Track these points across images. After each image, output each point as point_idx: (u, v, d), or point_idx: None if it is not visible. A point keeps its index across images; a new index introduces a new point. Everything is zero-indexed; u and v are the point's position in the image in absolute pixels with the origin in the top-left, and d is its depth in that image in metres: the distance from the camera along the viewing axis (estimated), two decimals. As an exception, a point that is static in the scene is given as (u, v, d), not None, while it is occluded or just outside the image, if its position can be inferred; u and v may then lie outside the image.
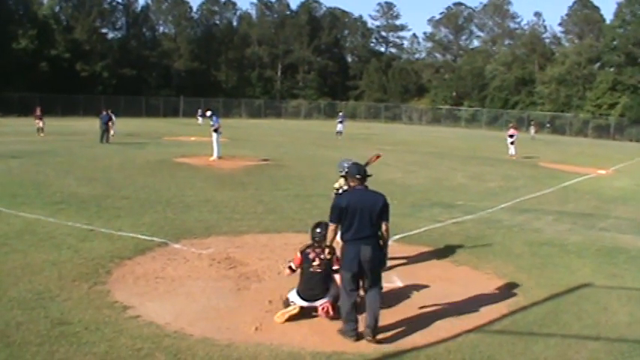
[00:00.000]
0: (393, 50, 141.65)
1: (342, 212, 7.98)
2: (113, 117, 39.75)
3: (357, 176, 8.32)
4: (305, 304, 8.56)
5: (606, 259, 13.06)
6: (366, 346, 7.65)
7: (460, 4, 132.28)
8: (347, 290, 7.96)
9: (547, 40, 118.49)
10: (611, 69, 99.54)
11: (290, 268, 8.95)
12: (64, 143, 36.21)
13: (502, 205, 19.74)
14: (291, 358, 7.24)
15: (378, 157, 10.85)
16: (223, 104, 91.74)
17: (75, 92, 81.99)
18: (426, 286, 10.13)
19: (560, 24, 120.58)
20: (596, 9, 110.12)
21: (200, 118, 69.26)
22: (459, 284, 10.50)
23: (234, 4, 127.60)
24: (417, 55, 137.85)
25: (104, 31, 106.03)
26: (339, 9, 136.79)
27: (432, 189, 23.24)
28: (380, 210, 8.05)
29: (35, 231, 12.98)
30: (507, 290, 10.30)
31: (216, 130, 29.42)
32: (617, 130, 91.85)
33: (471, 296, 9.87)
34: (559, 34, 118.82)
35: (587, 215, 18.96)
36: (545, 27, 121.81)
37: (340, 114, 59.21)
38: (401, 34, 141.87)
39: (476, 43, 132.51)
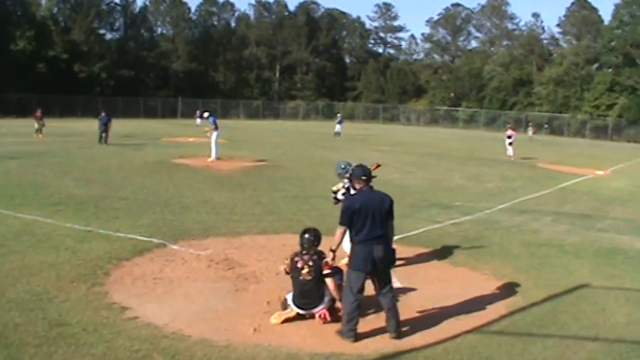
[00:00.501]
0: (391, 51, 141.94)
1: (354, 214, 8.01)
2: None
3: (363, 177, 8.42)
4: (302, 312, 8.55)
5: (604, 259, 13.07)
6: (364, 347, 7.66)
7: (458, 5, 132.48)
8: (353, 291, 7.94)
9: (545, 41, 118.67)
10: (609, 70, 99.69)
11: (285, 270, 8.93)
12: (62, 144, 36.19)
13: (500, 206, 19.75)
14: (290, 359, 7.24)
15: (378, 166, 10.87)
16: (221, 105, 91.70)
17: (73, 93, 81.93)
18: (424, 287, 10.13)
19: (558, 25, 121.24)
20: (594, 10, 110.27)
21: (198, 119, 69.21)
22: (457, 285, 10.51)
23: (232, 5, 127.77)
24: (414, 56, 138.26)
25: (102, 32, 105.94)
26: (337, 10, 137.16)
27: (430, 190, 23.25)
28: (387, 209, 8.19)
29: (33, 232, 12.96)
30: (505, 291, 10.30)
31: (216, 129, 29.48)
32: (615, 131, 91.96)
33: (470, 297, 9.87)
34: (557, 35, 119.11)
35: (585, 216, 18.98)
36: (543, 28, 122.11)
37: (338, 115, 59.28)
38: (399, 35, 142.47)
39: (474, 44, 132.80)
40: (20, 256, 10.91)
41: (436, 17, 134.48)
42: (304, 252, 8.71)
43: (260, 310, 8.82)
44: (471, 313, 9.05)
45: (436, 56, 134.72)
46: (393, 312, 8.07)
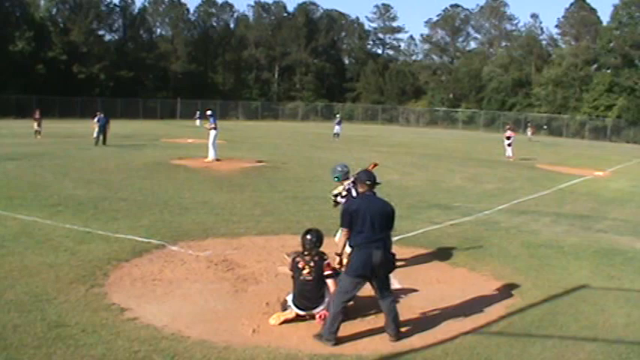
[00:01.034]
0: (390, 52, 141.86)
1: (352, 216, 8.04)
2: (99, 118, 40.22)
3: (367, 182, 8.48)
4: (302, 312, 8.55)
5: (603, 260, 13.07)
6: (363, 348, 7.66)
7: (457, 5, 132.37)
8: (345, 296, 7.93)
9: (544, 42, 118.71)
10: (608, 71, 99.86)
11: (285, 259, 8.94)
12: (61, 145, 36.18)
13: (499, 207, 19.76)
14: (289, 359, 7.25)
15: (374, 165, 10.87)
16: (220, 106, 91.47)
17: (72, 94, 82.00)
18: (423, 288, 10.13)
19: (556, 26, 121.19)
20: (593, 11, 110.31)
21: (198, 120, 69.23)
22: (456, 286, 10.51)
23: (231, 6, 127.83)
24: (414, 57, 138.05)
25: (101, 33, 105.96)
26: (336, 11, 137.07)
27: (429, 191, 23.26)
28: (388, 216, 8.20)
29: (32, 233, 12.95)
30: (505, 292, 10.30)
31: (214, 128, 29.50)
32: (614, 131, 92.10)
33: (469, 298, 9.87)
34: (556, 36, 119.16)
35: (585, 217, 18.98)
36: (541, 29, 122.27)
37: (337, 116, 59.32)
38: (398, 36, 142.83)
39: (473, 44, 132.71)
40: (19, 257, 10.89)
41: (435, 18, 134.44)
42: (306, 253, 8.70)
43: (259, 311, 8.81)
44: (470, 314, 9.05)
45: (435, 57, 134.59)
46: (393, 315, 8.06)
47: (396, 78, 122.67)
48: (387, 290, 8.16)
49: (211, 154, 29.44)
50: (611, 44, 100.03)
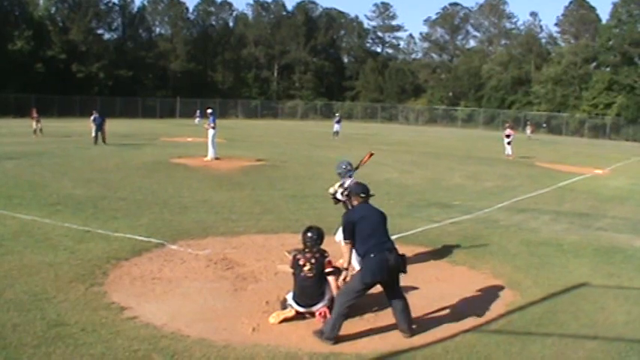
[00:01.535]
0: (390, 50, 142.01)
1: (355, 226, 8.14)
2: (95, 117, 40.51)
3: (362, 195, 8.59)
4: (302, 309, 8.55)
5: (603, 258, 13.06)
6: (363, 347, 7.65)
7: (456, 4, 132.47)
8: (351, 296, 7.91)
9: (543, 40, 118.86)
10: (607, 69, 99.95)
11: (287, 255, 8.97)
12: (60, 144, 36.18)
13: (499, 205, 19.75)
14: (289, 358, 7.23)
15: (371, 154, 10.94)
16: (220, 105, 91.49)
17: (71, 93, 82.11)
18: (423, 287, 10.11)
19: (556, 24, 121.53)
20: (592, 9, 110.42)
21: (197, 119, 69.21)
22: (456, 284, 10.50)
23: (231, 4, 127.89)
24: (413, 56, 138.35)
25: (100, 32, 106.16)
26: (335, 9, 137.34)
27: (428, 189, 23.25)
28: (386, 222, 8.39)
29: (31, 232, 12.95)
30: (504, 290, 10.30)
31: (213, 127, 29.51)
32: (614, 129, 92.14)
33: (468, 296, 9.87)
34: (555, 34, 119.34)
35: (584, 215, 18.97)
36: (541, 27, 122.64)
37: (337, 115, 59.34)
38: (397, 34, 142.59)
39: (472, 43, 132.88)
40: (18, 257, 10.89)
41: (434, 16, 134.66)
42: (307, 250, 8.71)
43: (259, 309, 8.80)
44: (470, 312, 9.03)
45: (434, 55, 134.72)
46: (407, 313, 8.11)
47: (395, 76, 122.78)
48: (398, 291, 8.20)
49: (211, 153, 29.44)
50: (611, 42, 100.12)
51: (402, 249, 10.79)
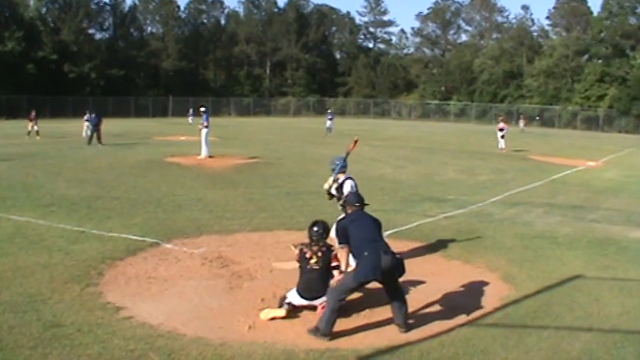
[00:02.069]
0: (382, 46, 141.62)
1: (348, 230, 8.22)
2: (89, 117, 40.81)
3: (356, 204, 8.75)
4: (305, 302, 8.58)
5: (597, 250, 13.11)
6: (359, 342, 7.67)
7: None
8: (342, 292, 7.94)
9: (535, 34, 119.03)
10: (599, 61, 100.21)
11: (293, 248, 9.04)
12: (54, 145, 36.10)
13: (493, 199, 19.79)
14: (285, 355, 7.24)
15: (356, 142, 11.00)
16: (212, 103, 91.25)
17: (63, 94, 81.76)
18: (418, 281, 10.13)
19: (547, 17, 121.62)
20: (584, 1, 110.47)
21: (190, 118, 69.10)
22: (450, 279, 10.52)
23: (222, 2, 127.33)
24: (405, 51, 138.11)
25: (91, 31, 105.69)
26: (327, 6, 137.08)
27: (422, 184, 23.28)
28: (380, 227, 8.50)
29: (26, 234, 12.93)
30: (499, 283, 10.33)
31: (206, 126, 29.48)
32: (606, 121, 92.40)
33: (463, 290, 9.91)
34: (546, 27, 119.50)
35: (578, 207, 19.03)
36: (532, 20, 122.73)
37: (329, 111, 59.30)
38: (389, 29, 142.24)
39: (464, 37, 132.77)
40: (13, 258, 10.87)
41: (426, 11, 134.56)
42: (313, 244, 8.77)
43: (254, 307, 8.80)
44: (466, 306, 9.06)
45: (426, 50, 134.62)
46: (404, 310, 8.17)
47: (387, 72, 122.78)
48: (398, 292, 8.25)
49: (204, 151, 29.41)
50: (602, 34, 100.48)
51: (396, 244, 10.86)
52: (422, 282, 10.19)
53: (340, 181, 10.39)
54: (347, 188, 10.20)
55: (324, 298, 8.44)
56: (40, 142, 37.66)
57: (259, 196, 19.13)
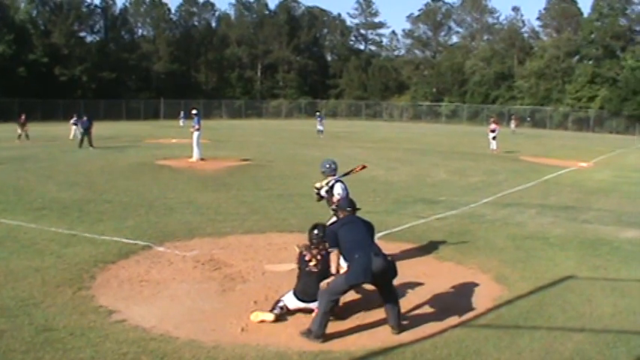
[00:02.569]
0: (373, 48, 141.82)
1: (338, 234, 8.24)
2: (76, 120, 40.97)
3: (348, 209, 8.79)
4: (301, 305, 8.57)
5: (589, 250, 13.15)
6: (352, 344, 7.67)
7: (438, 0, 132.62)
8: (333, 294, 7.93)
9: (526, 35, 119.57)
10: (590, 62, 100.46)
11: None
12: (45, 148, 36.03)
13: (484, 200, 19.82)
14: (278, 357, 7.24)
15: (363, 167, 11.06)
16: (204, 105, 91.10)
17: (54, 97, 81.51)
18: (410, 283, 10.13)
19: (538, 18, 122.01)
20: (574, 3, 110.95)
21: (182, 120, 69.01)
22: (443, 280, 10.52)
23: (213, 5, 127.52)
24: (396, 52, 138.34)
25: (82, 34, 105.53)
26: (318, 8, 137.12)
27: (414, 185, 23.30)
28: (372, 230, 8.55)
29: (17, 237, 12.88)
30: (492, 284, 10.35)
31: (198, 129, 29.45)
32: (597, 122, 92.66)
33: (456, 291, 9.92)
34: (537, 29, 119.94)
35: (569, 208, 19.07)
36: (523, 21, 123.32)
37: (317, 113, 59.29)
38: (380, 31, 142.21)
39: (455, 39, 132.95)
40: (4, 262, 10.83)
41: (417, 13, 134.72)
42: (313, 246, 8.79)
43: (247, 309, 8.79)
44: (458, 307, 9.06)
45: (417, 52, 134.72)
46: (396, 311, 8.17)
47: (378, 73, 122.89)
48: (392, 295, 8.25)
49: (196, 154, 29.39)
50: (593, 35, 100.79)
51: (389, 245, 10.87)
52: (414, 283, 10.19)
53: (331, 184, 10.41)
54: (337, 191, 10.24)
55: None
56: (31, 145, 37.57)
57: (251, 198, 19.12)
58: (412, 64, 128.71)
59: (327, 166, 10.68)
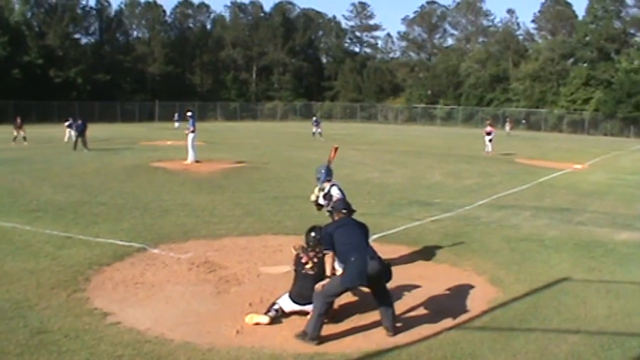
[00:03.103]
0: (368, 50, 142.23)
1: (333, 236, 8.22)
2: (70, 123, 41.07)
3: (343, 210, 8.80)
4: (297, 307, 8.55)
5: (584, 252, 13.16)
6: (348, 346, 7.66)
7: (433, 2, 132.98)
8: (328, 296, 7.92)
9: (520, 37, 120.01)
10: (585, 64, 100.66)
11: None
12: (40, 150, 35.98)
13: (480, 202, 19.82)
14: (273, 359, 7.24)
15: (336, 149, 11.01)
16: (199, 107, 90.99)
17: (49, 99, 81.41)
18: (405, 285, 10.12)
19: (533, 21, 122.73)
20: (569, 5, 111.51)
21: (177, 123, 68.97)
22: (438, 282, 10.52)
23: (208, 7, 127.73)
24: (391, 55, 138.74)
25: (77, 36, 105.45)
26: (313, 10, 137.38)
27: (409, 188, 23.29)
28: (367, 232, 8.53)
29: (12, 240, 12.86)
30: (487, 286, 10.35)
31: (192, 131, 29.41)
32: (592, 124, 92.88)
33: (451, 294, 9.91)
34: (532, 31, 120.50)
35: (564, 210, 19.08)
36: (518, 24, 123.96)
37: (314, 118, 59.08)
38: (375, 33, 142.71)
39: (450, 41, 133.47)
40: (-1, 264, 10.82)
41: (412, 15, 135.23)
42: (309, 249, 8.78)
43: (242, 311, 8.77)
44: (453, 309, 9.06)
45: (412, 54, 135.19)
46: (391, 313, 8.15)
47: (374, 76, 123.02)
48: (386, 297, 8.24)
49: (191, 156, 29.34)
50: (587, 38, 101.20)
51: (383, 248, 10.86)
52: (409, 285, 10.18)
53: (326, 189, 10.42)
54: (335, 193, 10.24)
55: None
56: (26, 148, 37.53)
57: (246, 200, 19.10)
58: (407, 66, 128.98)
59: (322, 171, 10.69)
